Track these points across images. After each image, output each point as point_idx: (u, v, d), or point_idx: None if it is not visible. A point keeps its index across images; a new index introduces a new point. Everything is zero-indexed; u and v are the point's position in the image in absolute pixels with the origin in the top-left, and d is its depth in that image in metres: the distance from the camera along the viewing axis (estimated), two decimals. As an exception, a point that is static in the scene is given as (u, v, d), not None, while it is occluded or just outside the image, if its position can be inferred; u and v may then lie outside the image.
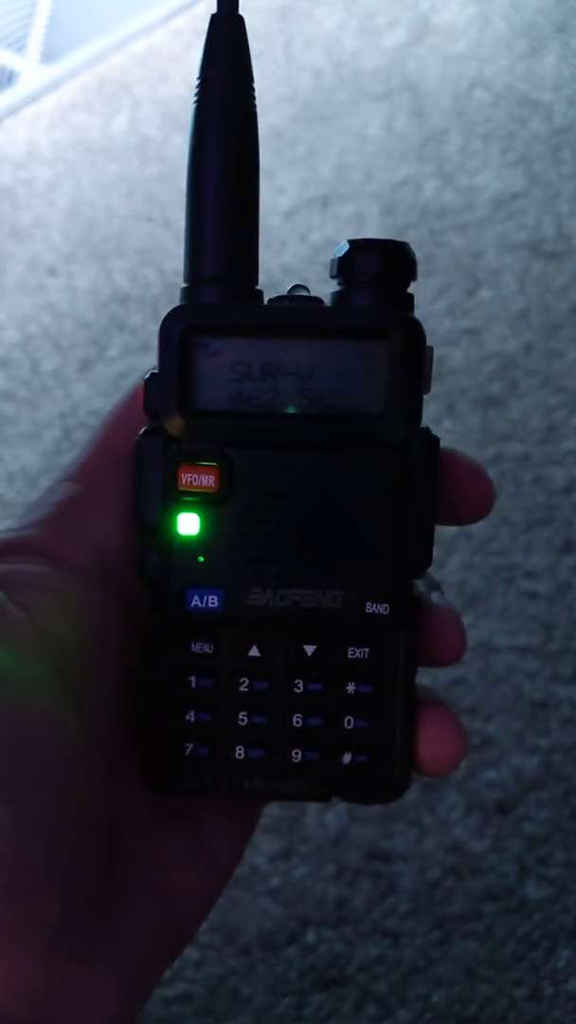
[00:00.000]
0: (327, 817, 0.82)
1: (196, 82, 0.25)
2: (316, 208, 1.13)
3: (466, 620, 0.91)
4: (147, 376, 0.25)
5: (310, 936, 0.78)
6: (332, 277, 0.25)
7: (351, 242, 0.25)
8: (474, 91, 1.23)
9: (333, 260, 0.25)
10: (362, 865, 0.80)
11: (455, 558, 0.92)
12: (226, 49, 0.25)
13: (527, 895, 0.79)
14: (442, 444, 0.26)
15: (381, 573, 0.25)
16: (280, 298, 0.26)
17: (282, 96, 1.22)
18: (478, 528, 0.93)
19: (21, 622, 0.23)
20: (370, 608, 0.25)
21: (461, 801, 0.82)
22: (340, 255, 0.25)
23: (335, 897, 0.79)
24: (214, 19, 0.25)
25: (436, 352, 1.14)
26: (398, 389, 0.24)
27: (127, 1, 1.24)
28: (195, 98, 0.25)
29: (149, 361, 1.04)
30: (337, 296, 0.26)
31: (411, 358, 0.24)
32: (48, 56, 1.23)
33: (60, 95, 1.23)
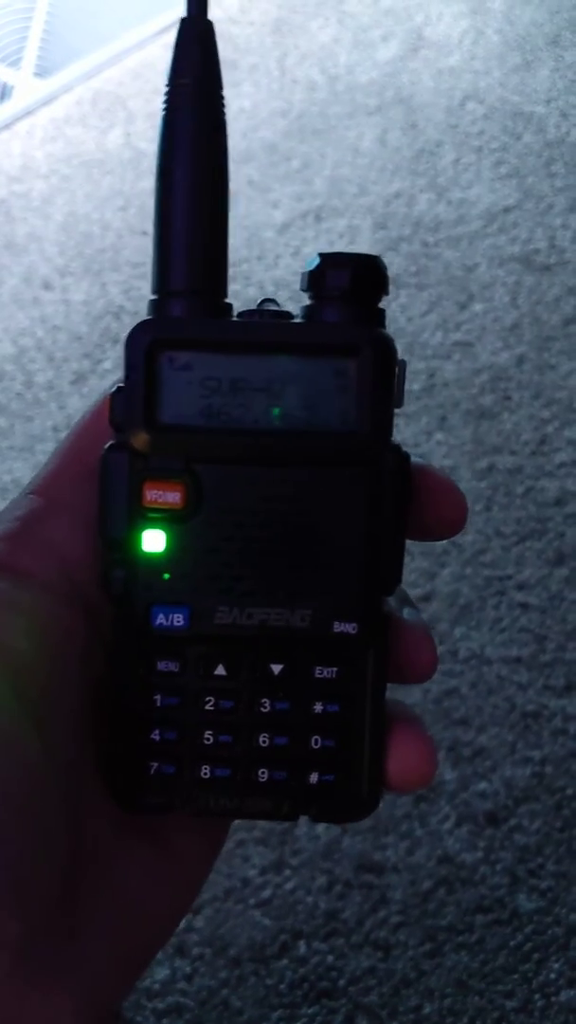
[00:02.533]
0: (318, 829, 0.82)
1: (164, 89, 0.24)
2: (310, 221, 1.14)
3: (457, 631, 0.91)
4: (113, 389, 0.25)
5: (301, 948, 0.78)
6: (303, 291, 0.25)
7: (321, 256, 0.25)
8: (467, 104, 1.23)
9: (304, 273, 0.25)
10: (353, 877, 0.80)
11: (447, 570, 0.92)
12: (195, 55, 0.24)
13: (518, 907, 0.79)
14: (433, 457, 0.26)
15: (350, 592, 0.24)
16: (249, 312, 0.25)
17: (276, 109, 1.23)
18: (470, 540, 0.93)
19: None
20: (338, 627, 0.24)
21: (452, 813, 0.82)
22: (310, 269, 0.25)
23: (326, 909, 0.80)
24: (183, 22, 0.24)
25: (428, 365, 1.14)
26: (368, 406, 0.24)
27: (121, 16, 1.25)
28: (163, 106, 0.24)
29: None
30: (307, 310, 0.25)
31: (381, 375, 0.24)
32: (43, 70, 1.24)
33: (55, 109, 1.24)
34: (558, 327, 1.05)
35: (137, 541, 0.24)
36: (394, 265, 1.09)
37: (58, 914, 0.23)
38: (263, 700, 0.25)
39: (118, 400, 0.24)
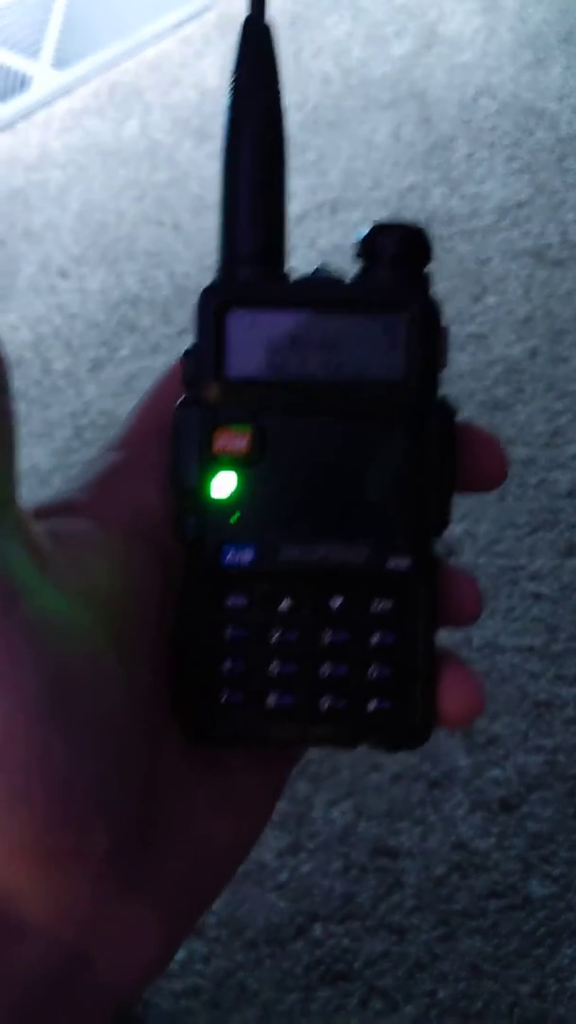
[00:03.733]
0: (334, 813, 0.82)
1: (231, 79, 0.27)
2: (325, 213, 1.14)
3: (471, 621, 0.92)
4: (184, 353, 0.27)
5: (317, 931, 0.79)
6: (356, 256, 0.27)
7: (374, 224, 0.27)
8: (480, 100, 1.24)
9: (356, 241, 0.27)
10: (368, 861, 0.81)
11: (461, 559, 0.93)
12: (257, 50, 0.27)
13: (531, 893, 0.80)
14: (477, 428, 0.28)
15: (402, 529, 0.26)
16: (305, 277, 0.27)
17: (291, 103, 1.23)
18: (483, 530, 0.94)
19: (71, 576, 0.24)
20: (392, 562, 0.26)
21: (466, 799, 0.83)
22: (362, 236, 0.27)
23: (341, 892, 0.80)
24: (246, 22, 0.27)
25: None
26: (417, 358, 0.26)
27: (139, 8, 1.26)
28: (230, 93, 0.27)
29: (159, 362, 1.05)
30: (359, 275, 0.27)
31: (429, 329, 0.26)
32: (61, 61, 1.24)
33: (72, 100, 1.25)
34: (571, 320, 1.06)
35: (208, 486, 0.26)
36: (409, 258, 1.10)
37: (138, 834, 0.24)
38: (324, 632, 0.26)
39: (189, 359, 0.26)
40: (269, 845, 0.81)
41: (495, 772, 0.84)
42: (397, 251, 0.26)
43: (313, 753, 0.77)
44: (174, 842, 0.25)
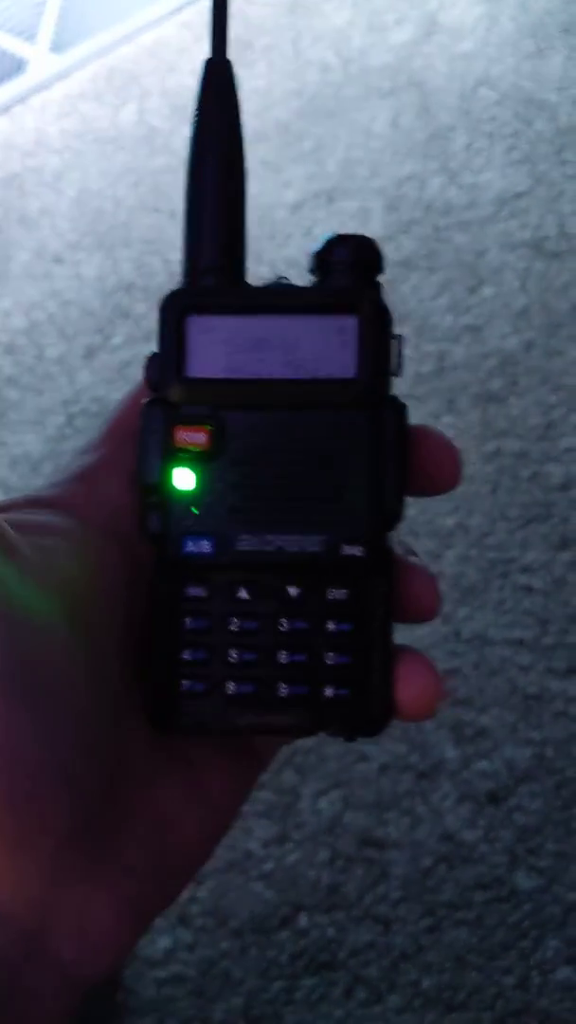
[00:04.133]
0: (321, 803, 0.82)
1: (194, 112, 0.29)
2: (321, 202, 1.14)
3: (462, 613, 0.92)
4: (149, 356, 0.28)
5: (302, 921, 0.79)
6: (310, 272, 0.29)
7: (328, 237, 0.29)
8: (480, 90, 1.24)
9: (310, 255, 0.29)
10: (355, 852, 0.81)
11: (452, 551, 0.93)
12: (218, 87, 0.29)
13: (517, 885, 0.80)
14: (432, 430, 0.29)
15: (356, 519, 0.27)
16: (262, 286, 0.29)
17: (289, 90, 1.23)
18: (475, 522, 0.94)
19: (35, 561, 0.25)
20: (347, 550, 0.27)
21: (454, 791, 0.83)
22: (317, 249, 0.28)
23: (328, 883, 0.80)
24: (208, 61, 0.29)
25: (437, 347, 1.14)
26: (369, 356, 0.28)
27: (138, -8, 1.25)
28: (194, 125, 0.29)
29: (153, 349, 1.05)
30: (314, 283, 0.29)
31: (378, 329, 0.28)
32: (58, 45, 1.24)
33: (69, 84, 1.24)
34: (567, 314, 1.05)
35: (169, 480, 0.27)
36: (405, 248, 1.09)
37: (100, 816, 0.25)
38: (282, 620, 0.27)
39: (153, 362, 0.28)
40: (255, 835, 0.81)
41: (483, 764, 0.84)
42: (350, 259, 0.28)
43: (301, 743, 0.77)
44: (138, 829, 0.26)
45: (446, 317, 1.05)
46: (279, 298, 0.28)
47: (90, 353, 1.05)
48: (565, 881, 0.80)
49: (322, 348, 0.28)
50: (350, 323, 0.28)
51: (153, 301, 1.09)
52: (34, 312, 1.09)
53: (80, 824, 0.24)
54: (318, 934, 0.79)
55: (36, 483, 0.99)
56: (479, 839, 0.81)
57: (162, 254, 1.11)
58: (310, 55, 1.27)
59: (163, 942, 0.79)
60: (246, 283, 0.29)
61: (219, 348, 0.28)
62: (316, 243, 0.28)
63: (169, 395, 0.28)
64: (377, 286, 0.28)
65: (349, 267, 0.28)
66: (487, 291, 1.07)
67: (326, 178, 1.16)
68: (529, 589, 0.91)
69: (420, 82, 1.24)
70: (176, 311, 0.28)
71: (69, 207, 1.15)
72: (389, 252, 1.08)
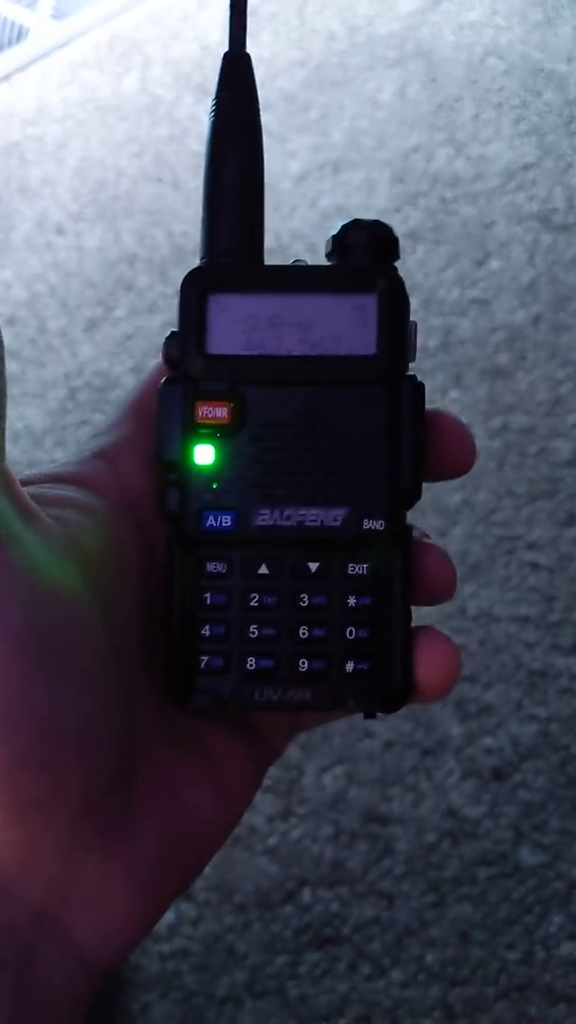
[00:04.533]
0: (325, 779, 0.82)
1: (213, 103, 0.29)
2: (327, 173, 1.12)
3: (467, 589, 0.91)
4: (168, 335, 0.28)
5: (306, 896, 0.79)
6: (327, 256, 0.29)
7: (344, 223, 0.29)
8: (488, 60, 1.22)
9: (328, 240, 0.29)
10: (359, 827, 0.81)
11: (458, 528, 0.92)
12: (237, 79, 0.29)
13: (521, 861, 0.80)
14: (447, 413, 0.29)
15: (376, 494, 0.27)
16: (282, 265, 0.30)
17: (295, 60, 1.21)
18: (481, 499, 0.93)
19: (56, 531, 0.24)
20: (367, 524, 0.27)
21: (458, 767, 0.83)
22: (333, 234, 0.29)
23: (332, 858, 0.80)
24: (227, 55, 0.30)
25: (444, 321, 1.13)
26: (388, 334, 0.28)
27: (140, -43, 1.23)
28: (212, 117, 0.29)
29: (155, 322, 1.04)
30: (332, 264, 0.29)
31: (397, 307, 0.28)
32: (59, 12, 1.22)
33: (71, 52, 1.22)
34: (575, 287, 1.04)
35: (190, 455, 0.27)
36: (411, 220, 1.08)
37: (115, 790, 0.24)
38: (302, 595, 0.27)
39: (172, 341, 0.28)
40: (260, 810, 0.81)
41: (488, 741, 0.84)
42: (368, 242, 0.28)
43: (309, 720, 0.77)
44: (153, 809, 0.25)
45: (453, 291, 1.03)
46: (299, 277, 0.28)
47: (92, 325, 1.04)
48: (569, 857, 0.80)
49: (342, 325, 0.28)
50: (370, 301, 0.28)
51: (156, 273, 1.08)
52: (35, 284, 1.07)
53: (95, 796, 0.23)
54: (322, 909, 0.79)
55: (38, 456, 0.98)
56: (483, 815, 0.81)
57: (165, 225, 1.09)
58: (316, 23, 1.25)
59: (167, 916, 0.79)
60: (264, 264, 0.29)
61: (239, 325, 0.28)
62: (333, 228, 0.29)
63: (190, 371, 0.28)
64: (394, 270, 0.29)
65: (365, 250, 0.28)
66: (494, 264, 1.06)
67: (331, 149, 1.14)
68: (535, 566, 0.91)
69: (427, 51, 1.22)
70: (197, 289, 0.28)
71: (70, 177, 1.14)
72: (395, 224, 1.07)
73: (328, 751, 0.83)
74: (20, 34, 1.21)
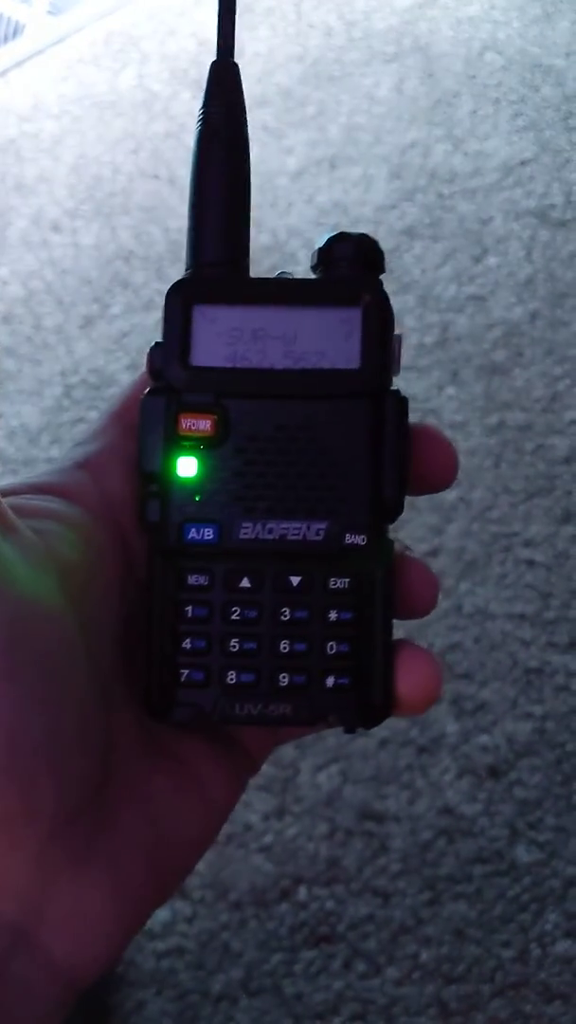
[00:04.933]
0: (320, 777, 0.82)
1: (200, 113, 0.29)
2: (324, 169, 1.12)
3: (463, 587, 0.91)
4: (152, 346, 0.28)
5: (301, 894, 0.79)
6: (312, 268, 0.29)
7: (330, 235, 0.29)
8: (486, 54, 1.21)
9: (313, 252, 0.29)
10: (354, 825, 0.81)
11: (454, 525, 0.92)
12: (224, 89, 0.29)
13: (517, 859, 0.80)
14: (444, 411, 0.30)
15: (358, 507, 0.27)
16: (266, 278, 0.29)
17: (292, 55, 1.20)
18: (478, 496, 0.93)
19: (34, 543, 0.24)
20: (349, 539, 0.27)
21: (454, 765, 0.83)
22: (319, 246, 0.29)
23: (327, 856, 0.80)
24: (214, 64, 0.30)
25: (441, 318, 1.12)
26: (372, 347, 0.28)
27: (136, -47, 1.22)
28: (200, 126, 0.29)
29: (151, 319, 1.03)
30: (317, 277, 0.29)
31: (381, 321, 0.28)
32: (56, 8, 1.21)
33: (67, 48, 1.22)
34: (572, 284, 1.04)
35: (172, 467, 0.27)
36: (408, 216, 1.07)
37: (92, 805, 0.24)
38: (284, 609, 0.27)
39: (157, 351, 0.28)
40: (255, 808, 0.81)
41: (483, 738, 0.84)
42: (353, 255, 0.28)
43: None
44: (130, 822, 0.25)
45: (450, 287, 1.03)
46: (284, 289, 0.28)
47: (88, 323, 1.04)
48: (565, 855, 0.80)
49: (326, 339, 0.28)
50: (354, 315, 0.28)
51: (152, 270, 1.07)
52: (31, 281, 1.07)
53: (70, 810, 0.23)
54: (317, 907, 0.79)
55: (33, 454, 0.98)
56: (479, 813, 0.81)
57: (161, 222, 1.09)
58: (313, 19, 1.24)
59: (162, 914, 0.79)
60: (250, 276, 0.29)
61: (224, 337, 0.28)
62: (319, 240, 0.29)
63: (173, 383, 0.28)
64: (379, 283, 0.29)
65: (351, 263, 0.28)
66: (492, 260, 1.06)
67: (328, 145, 1.14)
68: (531, 563, 0.91)
69: (425, 46, 1.22)
70: (182, 300, 0.28)
71: (67, 173, 1.14)
72: (392, 220, 1.07)
73: (323, 749, 0.83)
74: (16, 30, 1.20)
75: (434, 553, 0.91)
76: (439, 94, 1.18)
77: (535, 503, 0.93)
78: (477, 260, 1.05)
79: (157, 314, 1.02)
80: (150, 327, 1.01)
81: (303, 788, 0.82)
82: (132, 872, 0.25)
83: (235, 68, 0.30)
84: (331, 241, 0.29)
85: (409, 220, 1.07)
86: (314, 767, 0.82)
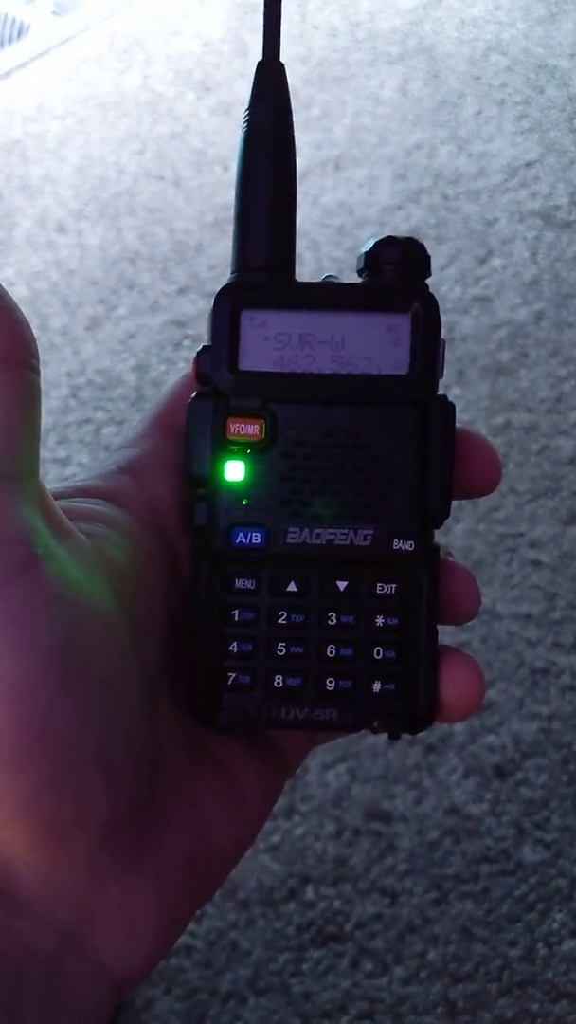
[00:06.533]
0: (328, 776, 0.82)
1: (247, 114, 0.29)
2: (329, 170, 1.12)
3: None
4: (199, 350, 0.28)
5: (309, 893, 0.79)
6: (358, 272, 0.29)
7: (377, 240, 0.29)
8: (491, 55, 1.21)
9: (360, 256, 0.29)
10: (362, 824, 0.81)
11: (461, 525, 0.92)
12: (271, 90, 0.29)
13: (523, 858, 0.80)
14: (475, 434, 0.29)
15: (405, 514, 0.27)
16: (314, 283, 0.30)
17: (296, 56, 1.21)
18: (484, 497, 0.93)
19: (88, 546, 0.24)
20: (397, 545, 0.27)
21: (460, 764, 0.83)
22: (366, 250, 0.29)
23: (334, 855, 0.80)
24: (261, 63, 0.29)
25: (446, 318, 1.13)
26: (420, 354, 0.28)
27: (141, -46, 1.22)
28: (246, 127, 0.29)
29: (157, 320, 1.03)
30: (364, 282, 0.29)
31: (430, 328, 0.28)
32: (60, 9, 1.21)
33: (71, 49, 1.22)
34: (578, 284, 1.04)
35: (220, 471, 0.27)
36: (413, 217, 1.08)
37: (139, 810, 0.24)
38: (330, 614, 0.27)
39: (204, 356, 0.28)
40: (263, 808, 0.82)
41: (490, 738, 0.84)
42: (400, 259, 0.28)
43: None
44: (175, 827, 0.25)
45: (455, 288, 1.03)
46: (332, 294, 0.28)
47: (94, 324, 1.04)
48: (571, 854, 0.80)
49: (374, 345, 0.28)
50: (403, 321, 0.28)
51: (157, 271, 1.08)
52: (37, 282, 1.07)
53: (121, 819, 0.23)
54: (325, 906, 0.79)
55: (41, 455, 0.98)
56: (485, 812, 0.81)
57: (166, 223, 1.09)
58: (317, 19, 1.25)
59: (170, 914, 0.79)
60: (296, 280, 0.29)
61: (272, 342, 0.28)
62: (366, 245, 0.29)
63: (221, 387, 0.28)
64: (426, 287, 0.29)
65: (397, 268, 0.28)
66: (497, 262, 1.06)
67: (333, 146, 1.14)
68: (537, 564, 0.91)
69: (429, 47, 1.22)
70: (230, 305, 0.28)
71: (72, 175, 1.14)
72: (397, 222, 1.07)
73: (331, 748, 0.83)
74: (21, 31, 1.20)
75: (440, 553, 0.91)
76: (444, 95, 1.18)
77: (541, 504, 0.93)
78: (482, 261, 1.06)
79: (163, 315, 1.02)
80: (156, 328, 1.01)
81: (311, 787, 0.82)
82: (176, 877, 0.25)
83: (281, 68, 0.29)
84: (378, 245, 0.29)
85: (414, 221, 1.07)
86: (322, 766, 0.83)
